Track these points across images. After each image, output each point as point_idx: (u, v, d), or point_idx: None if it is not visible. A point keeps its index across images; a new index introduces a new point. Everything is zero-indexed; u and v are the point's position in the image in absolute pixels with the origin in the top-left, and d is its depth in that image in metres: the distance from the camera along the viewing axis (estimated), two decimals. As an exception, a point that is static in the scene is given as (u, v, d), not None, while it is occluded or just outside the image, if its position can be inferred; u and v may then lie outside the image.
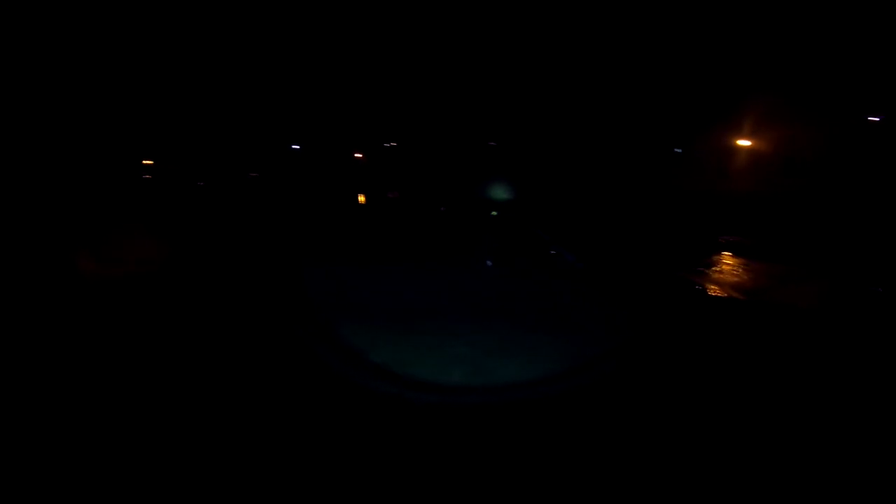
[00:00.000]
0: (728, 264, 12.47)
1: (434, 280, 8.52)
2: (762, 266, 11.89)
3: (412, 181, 27.61)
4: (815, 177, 16.81)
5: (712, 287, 9.61)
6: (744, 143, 17.93)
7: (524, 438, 3.27)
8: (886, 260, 11.58)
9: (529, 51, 24.22)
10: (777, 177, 17.88)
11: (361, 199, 26.57)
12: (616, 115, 21.59)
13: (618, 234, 14.50)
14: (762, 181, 18.07)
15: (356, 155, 33.57)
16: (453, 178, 26.36)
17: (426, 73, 28.54)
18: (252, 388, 4.03)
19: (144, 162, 29.85)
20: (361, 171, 32.23)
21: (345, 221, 17.93)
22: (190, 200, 25.25)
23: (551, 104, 24.18)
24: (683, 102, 19.28)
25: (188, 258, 9.90)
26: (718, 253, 13.60)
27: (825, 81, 16.28)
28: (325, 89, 29.83)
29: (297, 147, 33.14)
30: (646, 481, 2.86)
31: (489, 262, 9.17)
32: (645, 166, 20.40)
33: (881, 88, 15.47)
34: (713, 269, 11.75)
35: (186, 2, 27.00)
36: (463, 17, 25.87)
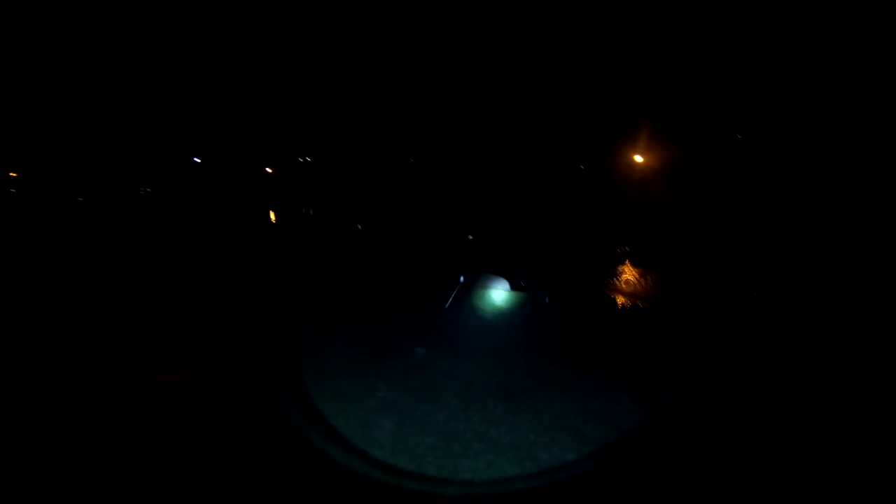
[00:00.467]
0: (631, 276, 13.02)
1: (367, 316, 7.52)
2: (657, 275, 12.66)
3: (328, 197, 26.38)
4: (694, 189, 18.69)
5: (624, 298, 9.93)
6: (638, 158, 19.43)
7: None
8: (756, 264, 13.08)
9: (447, 68, 24.35)
10: (662, 189, 19.56)
11: (272, 216, 24.77)
12: (529, 133, 22.41)
13: (538, 250, 14.87)
14: (651, 194, 19.71)
15: (267, 170, 31.37)
16: (371, 194, 25.63)
17: (343, 87, 27.51)
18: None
19: (9, 174, 25.13)
20: (273, 186, 30.17)
21: (254, 242, 16.48)
22: (68, 219, 21.81)
23: (468, 123, 24.48)
24: (587, 122, 20.57)
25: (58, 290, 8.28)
26: (622, 263, 14.43)
27: (701, 104, 18.27)
28: (231, 98, 27.54)
29: (199, 160, 30.10)
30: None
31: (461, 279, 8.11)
32: (554, 181, 21.37)
33: (749, 109, 17.66)
34: (620, 279, 12.22)
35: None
36: (379, 30, 25.37)
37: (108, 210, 25.80)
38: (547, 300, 7.75)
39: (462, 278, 7.68)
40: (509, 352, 5.88)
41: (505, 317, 7.44)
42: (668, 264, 14.12)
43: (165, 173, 29.11)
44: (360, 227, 21.48)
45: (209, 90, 27.77)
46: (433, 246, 15.80)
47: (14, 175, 25.39)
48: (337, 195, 27.03)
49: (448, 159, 25.34)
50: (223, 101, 27.93)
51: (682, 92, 18.74)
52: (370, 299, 8.25)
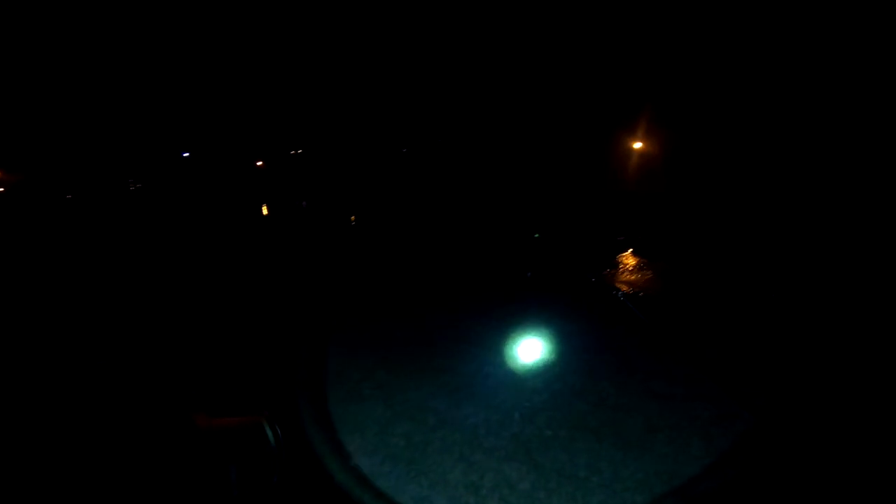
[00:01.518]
0: (633, 267, 11.46)
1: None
2: (660, 265, 11.18)
3: (321, 190, 24.54)
4: (689, 177, 17.19)
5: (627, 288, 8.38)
6: (637, 146, 17.86)
7: None
8: (754, 256, 11.49)
9: (436, 56, 22.50)
10: (659, 177, 18.03)
11: (265, 209, 22.92)
12: (523, 121, 20.69)
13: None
14: (647, 181, 18.18)
15: (258, 163, 29.23)
16: (365, 185, 23.88)
17: (333, 76, 25.52)
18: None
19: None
20: (264, 179, 28.12)
21: (247, 236, 15.00)
22: (60, 218, 20.07)
23: (458, 112, 22.68)
24: (585, 110, 18.89)
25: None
26: (622, 252, 12.99)
27: (702, 89, 16.69)
28: (218, 91, 25.48)
29: (188, 154, 27.90)
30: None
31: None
32: (555, 170, 19.72)
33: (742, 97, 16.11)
34: (621, 270, 10.75)
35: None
36: (366, 17, 23.35)
37: (101, 207, 23.87)
38: (620, 295, 6.10)
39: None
40: (532, 388, 4.19)
41: (526, 337, 5.67)
42: (671, 254, 12.64)
43: (154, 168, 27.00)
44: (353, 219, 19.82)
45: (196, 82, 25.67)
46: (432, 242, 14.19)
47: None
48: (330, 187, 25.20)
49: (442, 149, 23.58)
50: (210, 94, 25.86)
51: (685, 80, 17.13)
52: (358, 312, 6.46)
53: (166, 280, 8.80)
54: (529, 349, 5.06)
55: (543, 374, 4.43)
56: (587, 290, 7.32)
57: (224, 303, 7.03)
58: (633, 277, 9.78)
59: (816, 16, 14.90)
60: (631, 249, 13.10)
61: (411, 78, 23.74)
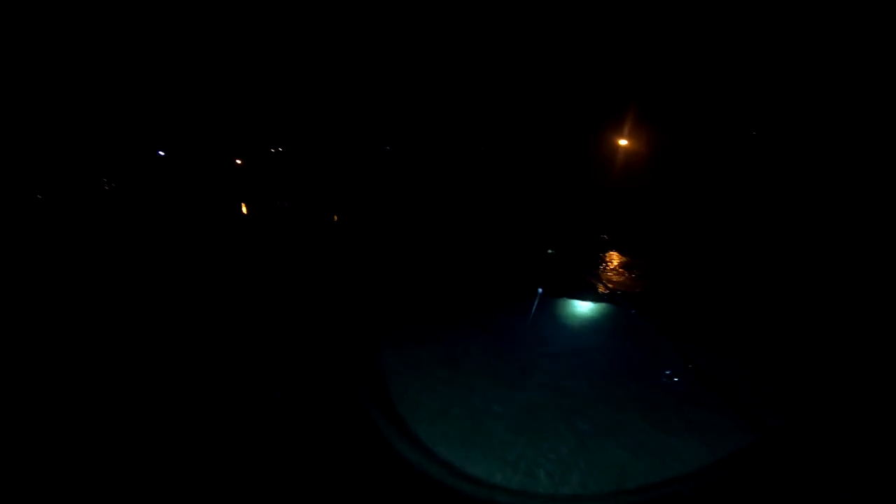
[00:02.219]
0: (619, 265, 10.90)
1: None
2: (642, 262, 10.63)
3: (303, 189, 23.31)
4: (675, 175, 16.81)
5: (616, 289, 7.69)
6: (623, 142, 17.31)
7: None
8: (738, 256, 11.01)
9: (418, 54, 21.51)
10: (645, 174, 17.60)
11: (244, 209, 21.57)
12: (511, 120, 19.95)
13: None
14: (633, 178, 17.73)
15: (237, 161, 27.67)
16: (347, 184, 22.80)
17: (315, 72, 24.20)
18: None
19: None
20: (243, 178, 26.59)
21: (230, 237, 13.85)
22: (32, 218, 18.34)
23: (442, 108, 21.76)
24: (570, 108, 18.28)
25: None
26: (607, 251, 12.38)
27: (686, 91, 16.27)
28: (193, 88, 23.84)
29: (163, 153, 26.11)
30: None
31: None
32: (539, 166, 19.07)
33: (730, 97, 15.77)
34: (610, 268, 10.13)
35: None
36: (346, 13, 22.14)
37: (73, 206, 22.06)
38: (633, 312, 5.40)
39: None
40: (553, 430, 3.41)
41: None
42: (650, 251, 12.13)
43: (129, 167, 25.16)
44: (336, 217, 18.77)
45: (172, 78, 23.95)
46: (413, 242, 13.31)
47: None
48: (313, 186, 23.97)
49: (424, 147, 22.63)
50: (187, 91, 24.21)
51: (671, 77, 16.64)
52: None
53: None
54: (541, 378, 4.25)
55: (563, 410, 3.66)
56: (596, 304, 6.51)
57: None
58: (621, 279, 9.14)
59: (792, 18, 14.59)
60: (613, 249, 12.58)
61: (396, 76, 22.71)
